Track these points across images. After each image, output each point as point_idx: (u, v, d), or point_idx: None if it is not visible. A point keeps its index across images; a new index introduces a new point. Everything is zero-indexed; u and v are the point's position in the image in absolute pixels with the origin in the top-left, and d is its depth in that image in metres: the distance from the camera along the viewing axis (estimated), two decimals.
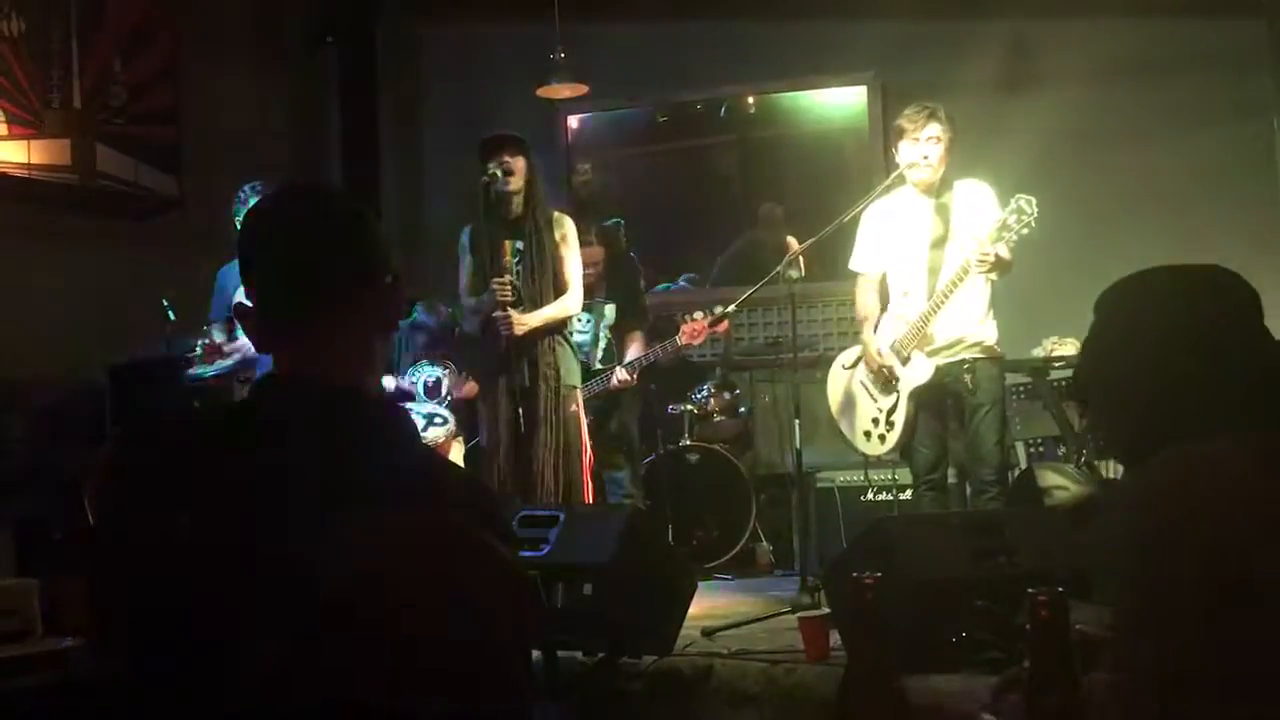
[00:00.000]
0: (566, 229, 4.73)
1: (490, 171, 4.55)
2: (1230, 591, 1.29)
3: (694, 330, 5.23)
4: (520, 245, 4.63)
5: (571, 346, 4.81)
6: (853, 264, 4.63)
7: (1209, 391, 1.47)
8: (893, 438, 4.47)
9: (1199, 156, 6.09)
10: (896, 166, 4.50)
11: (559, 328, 4.71)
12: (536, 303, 4.61)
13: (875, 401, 4.53)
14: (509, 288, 4.56)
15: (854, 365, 4.64)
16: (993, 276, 4.28)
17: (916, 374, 4.36)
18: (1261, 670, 1.28)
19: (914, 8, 6.40)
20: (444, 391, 5.77)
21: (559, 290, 4.67)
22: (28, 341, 5.14)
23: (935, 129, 4.33)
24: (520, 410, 4.55)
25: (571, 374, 4.72)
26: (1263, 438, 1.41)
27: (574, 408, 4.68)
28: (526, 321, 4.57)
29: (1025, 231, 4.09)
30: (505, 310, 4.54)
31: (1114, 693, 1.36)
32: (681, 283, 7.25)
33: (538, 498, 4.52)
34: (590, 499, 4.77)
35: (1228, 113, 6.12)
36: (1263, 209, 6.02)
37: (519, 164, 4.57)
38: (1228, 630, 1.29)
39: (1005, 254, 4.18)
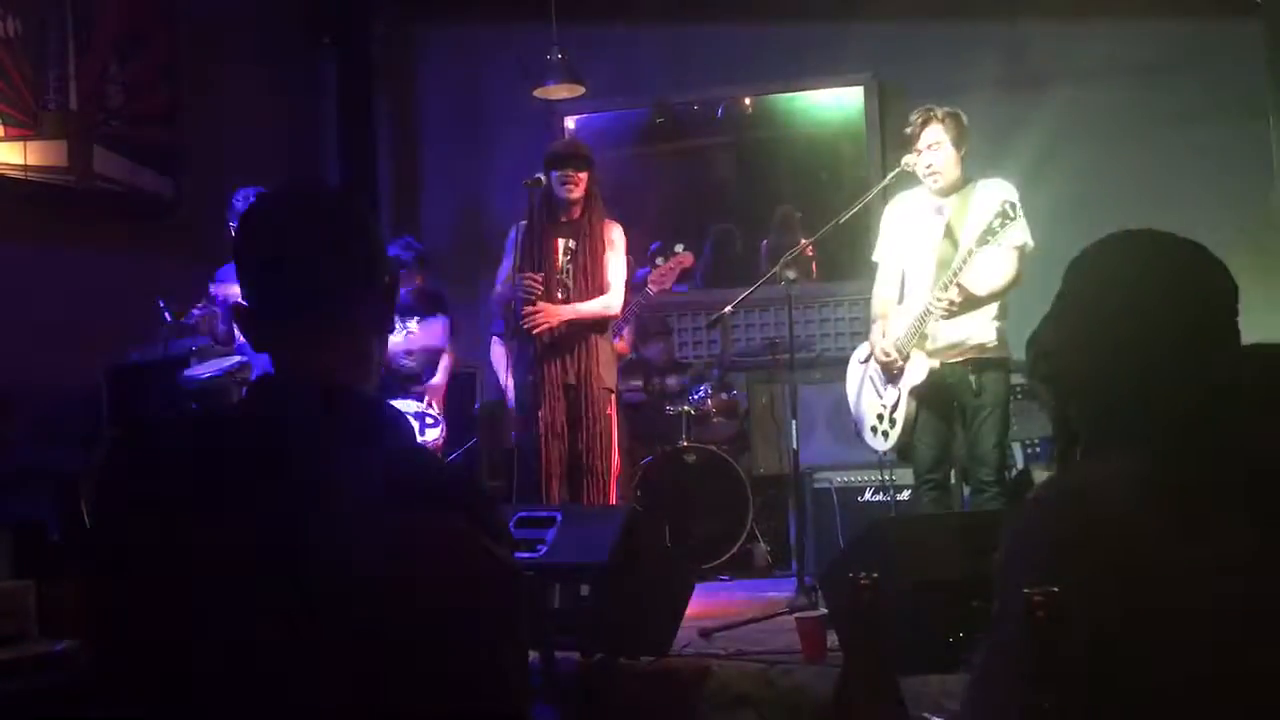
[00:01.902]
0: (614, 234, 4.88)
1: (539, 178, 4.73)
2: (1055, 621, 1.27)
3: (660, 276, 5.29)
4: (573, 244, 4.78)
5: (613, 349, 4.96)
6: (874, 256, 4.65)
7: (1153, 395, 1.37)
8: (894, 434, 4.48)
9: (1197, 156, 6.09)
10: (894, 166, 4.51)
11: (602, 327, 4.83)
12: (583, 300, 4.76)
13: (880, 397, 4.54)
14: (538, 284, 4.68)
15: (867, 360, 4.65)
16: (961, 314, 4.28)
17: (915, 373, 4.37)
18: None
19: (910, 9, 6.41)
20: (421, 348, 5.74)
21: (600, 290, 4.79)
22: (24, 343, 5.13)
23: (934, 133, 4.33)
24: (566, 407, 4.70)
25: (611, 376, 4.85)
26: (1145, 463, 1.34)
27: (609, 410, 4.80)
28: (559, 313, 4.69)
29: (1008, 233, 4.09)
30: (534, 305, 4.65)
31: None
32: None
33: (581, 496, 4.66)
34: (614, 500, 4.83)
35: (1226, 112, 6.12)
36: (1261, 208, 6.02)
37: (581, 178, 4.77)
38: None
39: (978, 290, 4.19)
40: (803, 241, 5.11)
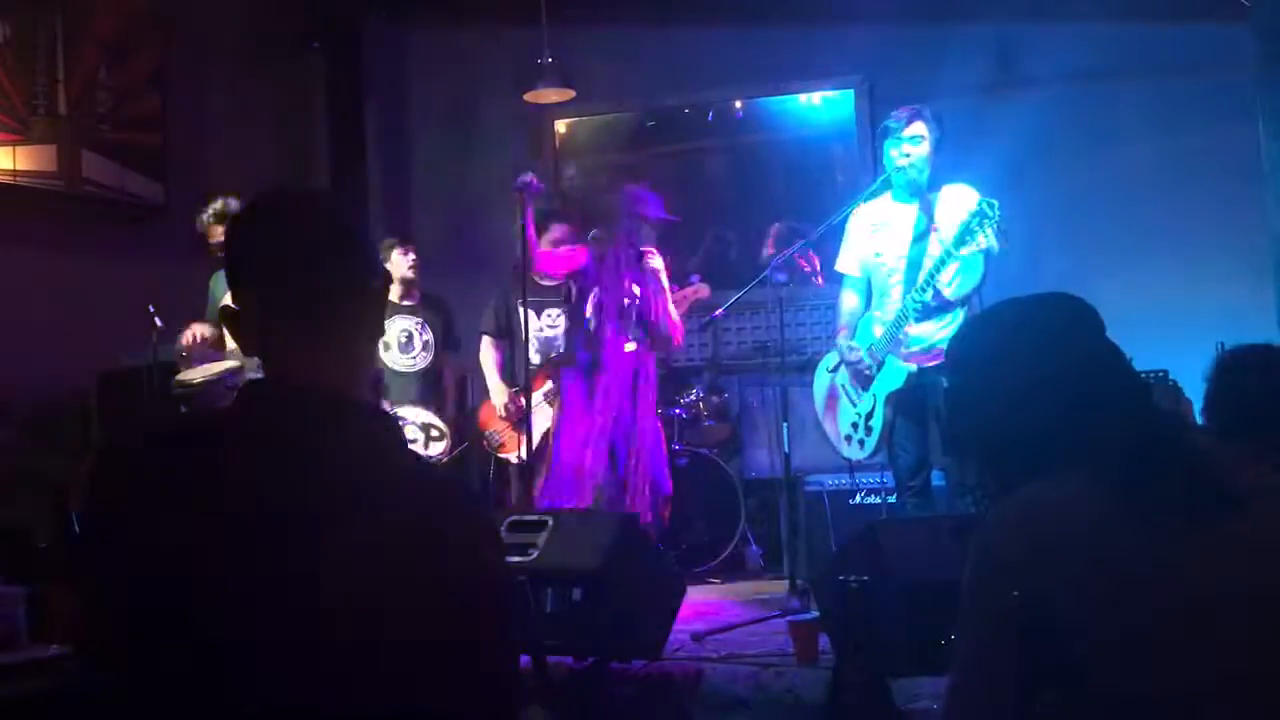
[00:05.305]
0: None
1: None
2: (1036, 627, 1.31)
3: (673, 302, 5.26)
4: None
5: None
6: (837, 265, 4.64)
7: (1063, 425, 1.48)
8: (871, 442, 4.48)
9: (1184, 160, 6.10)
10: (884, 170, 4.52)
11: None
12: None
13: (855, 405, 4.54)
14: None
15: (836, 369, 4.65)
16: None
17: (891, 379, 4.37)
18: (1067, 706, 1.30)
19: (901, 12, 6.42)
20: (416, 349, 5.71)
21: None
22: (14, 348, 5.12)
23: (919, 127, 4.36)
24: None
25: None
26: (1098, 478, 1.41)
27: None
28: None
29: (988, 236, 4.09)
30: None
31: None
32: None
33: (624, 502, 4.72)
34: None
35: (1213, 117, 6.13)
36: (1247, 214, 6.03)
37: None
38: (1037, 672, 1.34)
39: (950, 293, 4.21)
40: (772, 249, 5.11)
